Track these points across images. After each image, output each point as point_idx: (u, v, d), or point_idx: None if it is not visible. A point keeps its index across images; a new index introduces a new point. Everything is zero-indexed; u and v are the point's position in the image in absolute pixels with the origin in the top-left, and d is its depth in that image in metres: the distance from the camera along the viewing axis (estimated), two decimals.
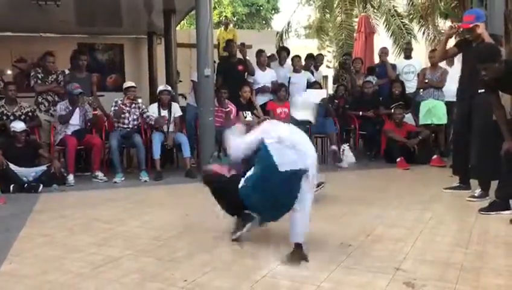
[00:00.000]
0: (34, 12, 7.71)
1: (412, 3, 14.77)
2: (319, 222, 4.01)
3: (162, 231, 3.85)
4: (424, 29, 14.41)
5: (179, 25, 11.46)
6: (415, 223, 3.97)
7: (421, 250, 3.29)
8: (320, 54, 9.90)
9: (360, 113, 7.70)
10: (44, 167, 5.83)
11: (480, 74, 4.08)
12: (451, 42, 5.51)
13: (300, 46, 17.99)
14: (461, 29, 5.00)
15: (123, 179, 6.15)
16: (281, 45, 13.27)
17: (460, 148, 4.99)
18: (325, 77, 16.28)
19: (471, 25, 4.65)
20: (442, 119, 7.38)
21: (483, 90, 4.36)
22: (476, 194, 4.71)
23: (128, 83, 6.71)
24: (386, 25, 15.66)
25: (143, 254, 3.29)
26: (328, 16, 17.29)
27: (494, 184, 4.58)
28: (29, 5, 7.17)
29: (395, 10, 15.77)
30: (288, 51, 8.42)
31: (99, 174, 6.17)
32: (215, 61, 7.17)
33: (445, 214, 4.30)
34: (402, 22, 15.57)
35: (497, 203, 4.23)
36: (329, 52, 17.87)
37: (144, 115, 6.56)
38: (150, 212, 4.52)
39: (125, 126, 6.49)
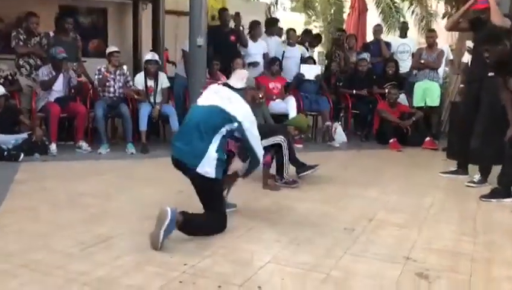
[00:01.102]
0: None
1: None
2: (317, 204, 3.90)
3: (155, 208, 3.59)
4: (414, 9, 14.26)
5: None
6: (416, 209, 3.86)
7: (428, 238, 3.17)
8: (319, 35, 9.65)
9: (354, 91, 7.52)
10: (25, 135, 5.51)
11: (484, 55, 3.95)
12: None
13: (288, 20, 17.65)
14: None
15: (108, 150, 5.88)
16: (269, 16, 12.93)
17: (464, 132, 4.84)
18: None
19: (487, 5, 4.47)
20: (436, 101, 7.28)
21: (492, 74, 4.22)
22: (475, 180, 4.62)
23: (111, 48, 6.36)
24: (376, 2, 15.46)
25: (136, 234, 3.08)
26: None
27: (494, 170, 4.51)
28: None
29: None
30: (277, 22, 8.15)
31: (83, 144, 5.88)
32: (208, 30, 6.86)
33: (446, 200, 4.19)
34: (392, 1, 15.41)
35: (499, 190, 4.15)
36: (315, 27, 17.58)
37: (127, 85, 6.26)
38: (139, 188, 4.30)
39: (111, 94, 6.18)
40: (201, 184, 3.12)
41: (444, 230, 3.36)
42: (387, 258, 2.79)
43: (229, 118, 3.11)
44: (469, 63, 5.11)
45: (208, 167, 3.04)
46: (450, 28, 5.18)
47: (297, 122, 4.84)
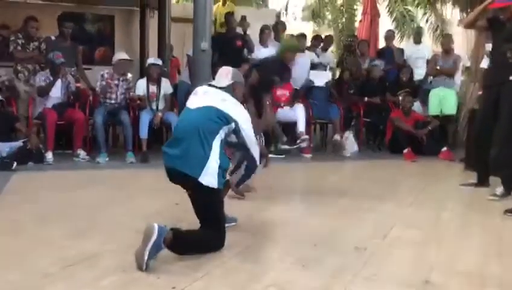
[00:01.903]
0: None
1: None
2: (326, 219, 3.57)
3: (147, 221, 3.33)
4: (428, 17, 13.92)
5: None
6: (433, 225, 3.53)
7: (449, 258, 2.83)
8: (330, 35, 9.35)
9: (366, 99, 7.20)
10: (20, 143, 5.29)
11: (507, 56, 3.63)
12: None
13: (299, 29, 17.42)
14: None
15: (107, 159, 5.62)
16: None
17: (482, 141, 4.49)
18: None
19: (507, 3, 4.16)
20: (453, 109, 6.94)
21: None
22: (497, 193, 4.25)
23: (121, 55, 6.12)
24: (388, 10, 15.18)
25: (125, 250, 2.77)
26: None
27: None
28: None
29: None
30: (285, 27, 7.88)
31: (81, 152, 5.64)
32: (212, 36, 6.62)
33: (466, 215, 3.85)
34: (405, 8, 15.11)
35: None
36: (326, 35, 17.33)
37: (129, 92, 6.02)
38: (134, 199, 4.02)
39: (112, 101, 5.94)
40: (202, 196, 2.80)
41: (466, 249, 3.02)
42: (403, 282, 2.46)
43: (226, 119, 2.84)
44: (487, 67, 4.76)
45: (211, 176, 2.75)
46: (467, 25, 4.84)
47: (288, 45, 4.57)
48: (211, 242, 2.80)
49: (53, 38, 6.36)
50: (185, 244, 2.67)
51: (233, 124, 2.87)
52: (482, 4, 4.43)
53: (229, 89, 3.00)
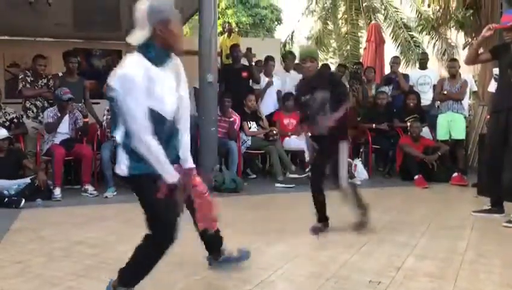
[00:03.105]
0: (27, 14, 7.21)
1: (421, 16, 14.34)
2: (339, 251, 3.48)
3: None
4: (435, 42, 13.95)
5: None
6: (449, 255, 3.41)
7: None
8: (343, 64, 9.32)
9: (374, 125, 7.15)
10: (28, 180, 5.28)
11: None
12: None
13: None
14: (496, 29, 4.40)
15: (115, 193, 5.59)
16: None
17: (495, 165, 4.42)
18: None
19: (507, 25, 4.14)
20: (462, 133, 6.85)
21: None
22: None
23: None
24: (392, 37, 15.27)
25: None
26: (330, 26, 16.88)
27: None
28: (20, 5, 6.66)
29: (403, 22, 15.39)
30: (294, 56, 7.89)
31: (90, 188, 5.61)
32: (218, 69, 6.66)
33: (482, 244, 3.73)
34: (410, 35, 15.20)
35: None
36: (332, 64, 17.44)
37: None
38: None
39: None
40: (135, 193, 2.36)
41: (484, 281, 2.91)
42: None
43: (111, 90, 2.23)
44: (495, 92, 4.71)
45: (122, 163, 2.32)
46: (469, 62, 4.74)
47: (308, 52, 3.94)
48: (149, 248, 2.38)
49: (60, 74, 6.42)
50: (128, 270, 2.40)
51: (114, 94, 2.22)
52: (480, 37, 4.40)
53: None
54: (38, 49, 8.26)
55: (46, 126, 5.68)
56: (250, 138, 6.63)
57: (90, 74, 9.83)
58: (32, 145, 5.99)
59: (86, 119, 6.03)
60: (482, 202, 4.99)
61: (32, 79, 6.19)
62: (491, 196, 4.63)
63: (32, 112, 6.17)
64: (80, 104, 6.24)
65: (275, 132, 6.66)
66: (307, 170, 6.34)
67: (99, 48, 10.64)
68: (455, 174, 6.47)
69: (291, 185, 6.11)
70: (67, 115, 5.71)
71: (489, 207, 4.59)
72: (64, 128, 5.74)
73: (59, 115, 5.68)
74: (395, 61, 8.36)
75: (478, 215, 4.58)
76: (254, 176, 7.09)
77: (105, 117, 5.94)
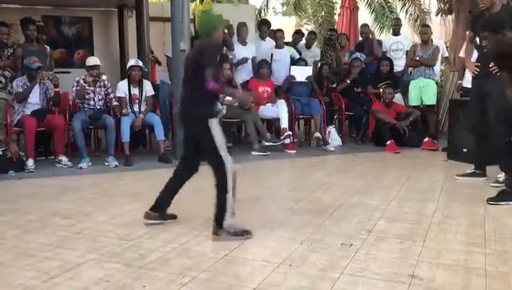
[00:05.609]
0: None
1: None
2: (311, 216, 3.56)
3: (131, 228, 3.31)
4: (407, 8, 13.96)
5: None
6: (419, 217, 3.54)
7: (434, 251, 2.84)
8: (313, 32, 9.27)
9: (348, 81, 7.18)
10: None
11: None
12: None
13: (279, 24, 17.35)
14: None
15: (90, 164, 5.54)
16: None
17: (478, 130, 4.49)
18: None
19: None
20: (433, 99, 6.96)
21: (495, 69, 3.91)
22: (500, 179, 4.27)
23: (91, 61, 5.97)
24: (367, 3, 15.21)
25: (108, 259, 2.76)
26: None
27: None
28: None
29: None
30: (269, 25, 7.81)
31: (63, 158, 5.54)
32: (191, 36, 6.54)
33: (450, 206, 3.86)
34: (384, 0, 15.15)
35: (507, 192, 3.83)
36: (307, 29, 17.31)
37: (108, 97, 5.92)
38: (118, 205, 3.96)
39: (91, 107, 5.85)
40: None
41: (451, 241, 3.04)
42: (391, 278, 2.46)
43: None
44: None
45: None
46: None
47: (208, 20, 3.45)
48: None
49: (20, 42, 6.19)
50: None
51: None
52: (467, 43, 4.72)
53: None
54: (4, 16, 7.96)
55: (16, 96, 5.54)
56: (225, 106, 6.60)
57: (60, 42, 9.63)
58: (2, 116, 5.83)
59: (57, 89, 5.87)
60: (451, 166, 5.13)
61: None
62: (475, 160, 4.73)
63: (1, 82, 5.97)
64: (51, 73, 6.05)
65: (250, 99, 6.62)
66: (282, 137, 6.40)
67: (69, 15, 10.33)
68: (426, 139, 6.61)
69: (266, 153, 6.15)
70: (37, 85, 5.57)
71: (473, 171, 4.71)
72: (35, 99, 5.60)
73: (29, 84, 5.54)
74: (363, 30, 8.30)
75: (462, 179, 4.67)
76: (230, 144, 7.08)
77: (74, 88, 5.80)
